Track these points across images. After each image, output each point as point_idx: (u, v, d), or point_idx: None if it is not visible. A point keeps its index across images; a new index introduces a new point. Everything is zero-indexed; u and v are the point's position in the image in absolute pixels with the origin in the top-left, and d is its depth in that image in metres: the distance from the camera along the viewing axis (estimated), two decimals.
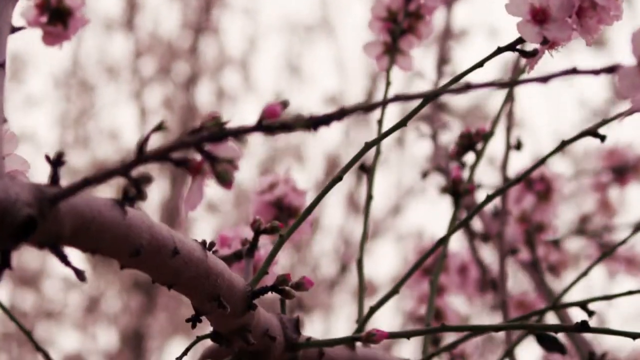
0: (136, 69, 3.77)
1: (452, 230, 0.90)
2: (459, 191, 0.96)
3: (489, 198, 0.89)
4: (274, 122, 0.60)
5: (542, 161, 0.88)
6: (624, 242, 0.96)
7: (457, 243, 1.45)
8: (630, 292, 0.87)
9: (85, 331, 3.59)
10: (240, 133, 0.61)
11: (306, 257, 3.76)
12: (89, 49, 3.83)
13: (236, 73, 3.71)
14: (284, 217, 1.02)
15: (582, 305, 0.87)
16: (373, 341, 0.81)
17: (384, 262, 3.86)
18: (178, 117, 3.56)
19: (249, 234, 0.90)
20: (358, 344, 0.88)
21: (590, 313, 0.86)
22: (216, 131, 0.62)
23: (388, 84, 0.96)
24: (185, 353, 0.80)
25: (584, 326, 0.80)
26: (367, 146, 0.83)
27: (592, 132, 0.87)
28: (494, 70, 3.43)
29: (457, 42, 2.11)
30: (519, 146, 1.10)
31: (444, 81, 1.57)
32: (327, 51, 4.08)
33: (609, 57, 3.35)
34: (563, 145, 0.88)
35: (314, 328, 3.80)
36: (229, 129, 0.61)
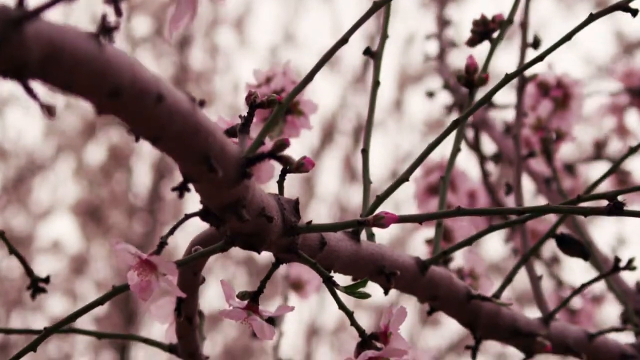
0: (128, 29, 3.69)
1: (467, 113, 0.81)
2: (473, 81, 0.88)
3: (508, 78, 0.81)
4: None
5: (569, 37, 0.79)
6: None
7: (466, 165, 1.36)
8: None
9: (73, 295, 3.51)
10: None
11: None
12: (79, 11, 3.76)
13: (231, 34, 3.63)
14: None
15: (612, 196, 0.79)
16: (381, 224, 0.73)
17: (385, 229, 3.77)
18: (171, 78, 3.49)
19: None
20: (364, 239, 0.80)
21: (621, 204, 0.78)
22: None
23: None
24: (171, 232, 0.71)
25: (616, 207, 0.72)
26: (376, 5, 0.75)
27: (623, 6, 0.79)
28: None
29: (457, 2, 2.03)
30: (536, 44, 1.02)
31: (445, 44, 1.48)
32: (323, 14, 4.00)
33: (611, 19, 3.27)
34: (591, 19, 0.80)
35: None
36: None
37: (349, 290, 0.74)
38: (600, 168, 1.32)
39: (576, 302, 1.43)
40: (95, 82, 0.55)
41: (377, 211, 0.75)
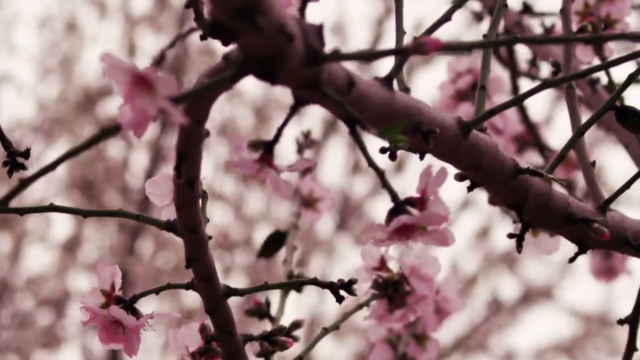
0: (126, 8, 3.60)
1: None
2: None
3: None
4: None
5: None
6: None
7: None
8: None
9: (65, 273, 3.39)
10: None
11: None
12: None
13: None
14: None
15: None
16: (423, 51, 0.61)
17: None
18: (171, 55, 3.38)
19: None
20: (396, 90, 0.68)
21: None
22: None
23: None
24: (172, 45, 0.59)
25: None
26: None
27: None
28: None
29: None
30: None
31: None
32: None
33: None
34: None
35: (310, 289, 3.61)
36: None
37: (383, 134, 0.62)
38: None
39: None
40: None
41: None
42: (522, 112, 1.17)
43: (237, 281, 3.50)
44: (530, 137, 1.19)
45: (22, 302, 3.41)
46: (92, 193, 3.29)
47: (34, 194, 3.61)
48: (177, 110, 0.57)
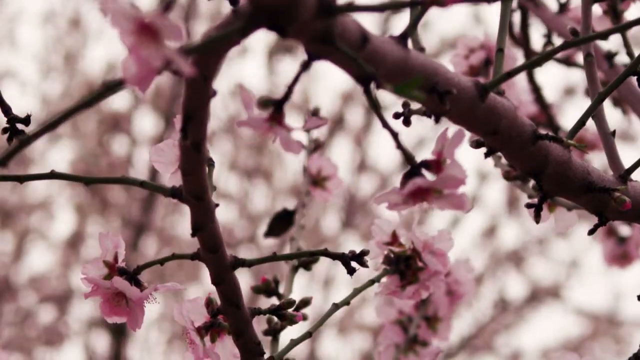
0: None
1: None
2: None
3: None
4: None
5: None
6: None
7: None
8: None
9: (68, 270, 3.37)
10: None
11: (309, 211, 3.53)
12: None
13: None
14: None
15: None
16: (441, 3, 0.59)
17: None
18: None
19: None
20: (411, 49, 0.66)
21: None
22: None
23: None
24: None
25: None
26: None
27: None
28: None
29: None
30: None
31: None
32: None
33: None
34: None
35: (314, 292, 3.59)
36: None
37: (399, 90, 0.60)
38: None
39: (625, 230, 1.29)
40: None
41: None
42: (537, 92, 1.14)
43: (242, 278, 3.47)
44: (544, 118, 1.17)
45: (25, 299, 3.39)
46: (96, 188, 3.26)
47: (36, 193, 3.59)
48: (185, 61, 0.55)
